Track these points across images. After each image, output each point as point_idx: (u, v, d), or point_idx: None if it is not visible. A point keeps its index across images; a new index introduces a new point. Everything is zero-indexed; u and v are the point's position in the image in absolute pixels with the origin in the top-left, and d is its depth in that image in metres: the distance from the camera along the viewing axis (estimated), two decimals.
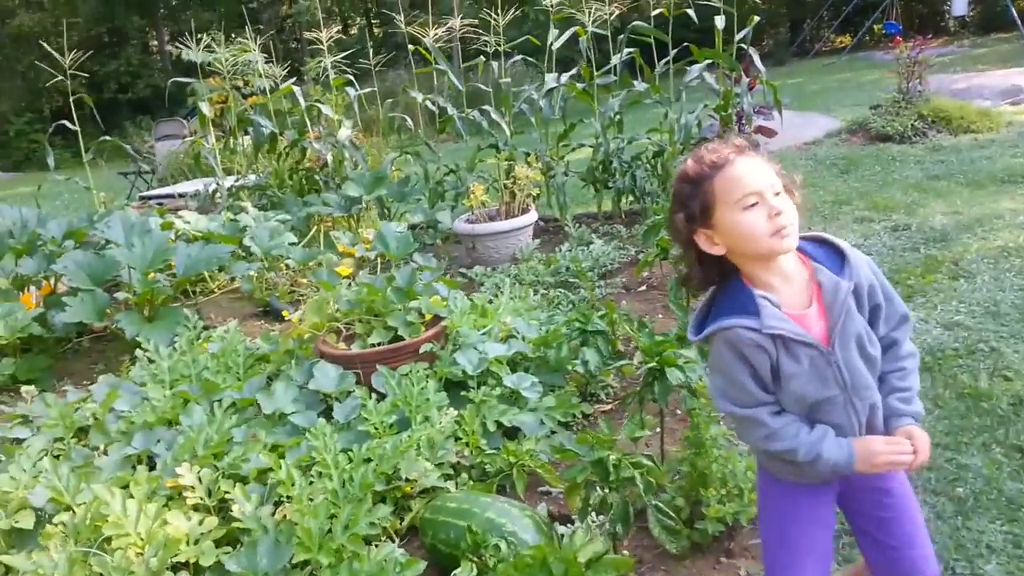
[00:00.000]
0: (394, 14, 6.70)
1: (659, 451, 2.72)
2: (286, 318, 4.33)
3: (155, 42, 26.62)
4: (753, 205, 1.40)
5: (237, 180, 7.29)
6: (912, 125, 7.82)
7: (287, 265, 5.73)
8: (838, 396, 1.49)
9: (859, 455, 1.46)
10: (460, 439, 2.79)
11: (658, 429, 2.82)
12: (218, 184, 7.08)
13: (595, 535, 2.05)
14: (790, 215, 1.41)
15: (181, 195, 7.85)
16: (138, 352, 3.79)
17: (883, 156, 7.26)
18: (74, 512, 2.28)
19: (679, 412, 3.17)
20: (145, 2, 24.30)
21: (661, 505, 2.24)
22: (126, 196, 9.55)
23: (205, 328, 4.22)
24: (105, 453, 2.86)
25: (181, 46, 6.80)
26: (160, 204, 7.49)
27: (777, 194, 1.42)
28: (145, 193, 9.03)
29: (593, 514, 2.29)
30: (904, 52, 8.33)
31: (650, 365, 2.54)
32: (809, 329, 1.44)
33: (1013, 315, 3.62)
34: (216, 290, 5.76)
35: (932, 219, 5.21)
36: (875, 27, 20.36)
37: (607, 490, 2.18)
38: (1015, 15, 15.97)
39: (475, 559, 2.05)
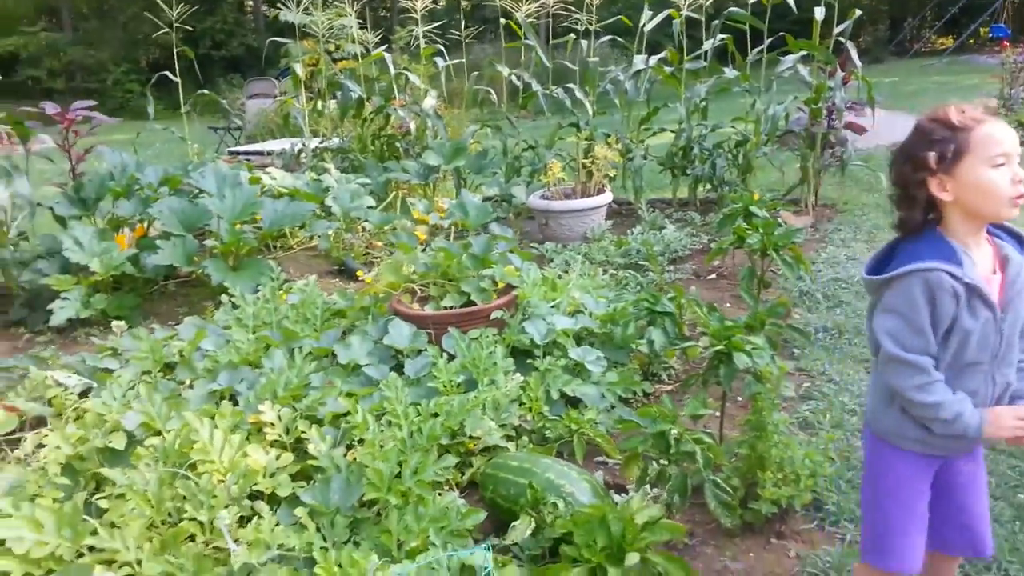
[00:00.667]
0: None
1: (718, 433, 2.76)
2: (360, 278, 4.49)
3: (250, 2, 27.29)
4: (1000, 165, 1.47)
5: (322, 142, 7.52)
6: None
7: (364, 227, 5.91)
8: (986, 364, 1.56)
9: (990, 421, 1.54)
10: (524, 404, 2.88)
11: (718, 413, 2.86)
12: (304, 144, 7.32)
13: (650, 503, 2.11)
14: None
15: (268, 153, 8.14)
16: (223, 297, 4.00)
17: None
18: (164, 437, 2.46)
19: (740, 399, 3.20)
20: None
21: (719, 481, 2.29)
22: (215, 150, 9.93)
23: (285, 281, 4.41)
24: (191, 387, 3.06)
25: (281, 6, 7.00)
26: (248, 160, 7.80)
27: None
28: (234, 148, 9.38)
29: (647, 486, 2.37)
30: (1010, 57, 7.99)
31: (717, 348, 2.57)
32: (991, 288, 1.52)
33: None
34: (295, 246, 5.98)
35: None
36: (981, 30, 19.48)
37: (666, 462, 2.24)
38: None
39: (533, 514, 2.15)
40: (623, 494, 2.40)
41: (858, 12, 5.73)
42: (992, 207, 1.49)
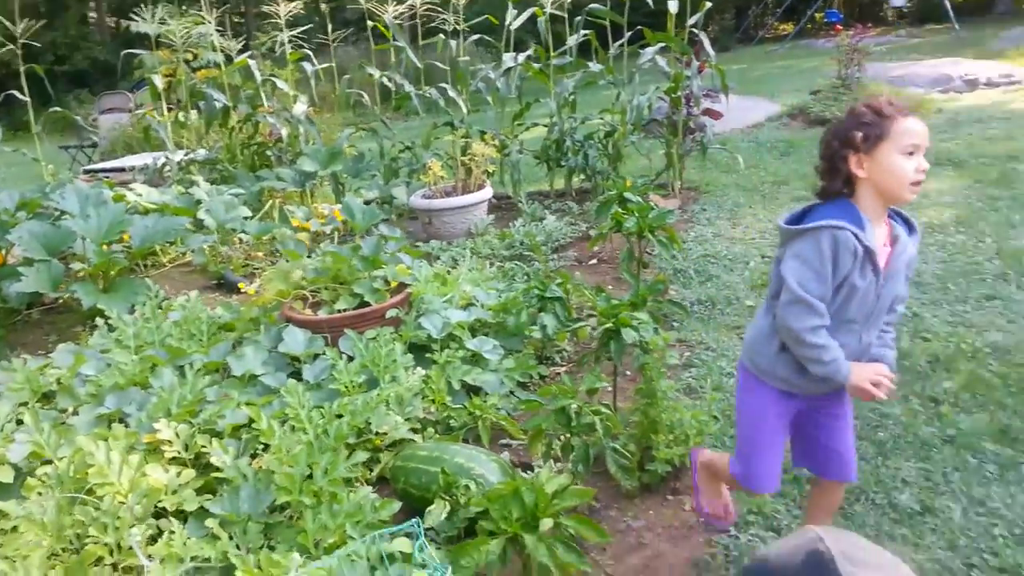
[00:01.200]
0: None
1: (613, 405, 2.91)
2: (242, 290, 4.40)
3: (93, 13, 25.76)
4: (911, 154, 1.70)
5: (187, 154, 7.25)
6: None
7: (240, 239, 5.77)
8: (859, 323, 1.81)
9: (855, 372, 1.79)
10: (427, 396, 2.95)
11: (611, 387, 3.03)
12: (167, 158, 7.04)
13: (557, 474, 2.23)
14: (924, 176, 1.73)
15: (129, 169, 7.77)
16: (98, 320, 3.83)
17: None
18: (56, 464, 2.37)
19: (628, 373, 3.38)
20: None
21: (617, 447, 2.44)
22: (68, 169, 9.37)
23: (163, 299, 4.27)
24: (75, 414, 2.93)
25: (134, 17, 6.70)
26: (107, 177, 7.41)
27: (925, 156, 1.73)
28: (90, 167, 8.88)
29: (552, 460, 2.49)
30: (844, 40, 8.68)
31: (607, 326, 2.73)
32: (881, 256, 1.77)
33: (934, 284, 3.93)
34: (167, 264, 5.76)
35: None
36: (817, 15, 20.93)
37: (568, 435, 2.36)
38: (948, 8, 16.63)
39: (447, 498, 2.22)
40: (529, 472, 2.50)
41: (708, 4, 6.09)
42: (896, 189, 1.72)
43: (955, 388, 2.99)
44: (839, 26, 12.70)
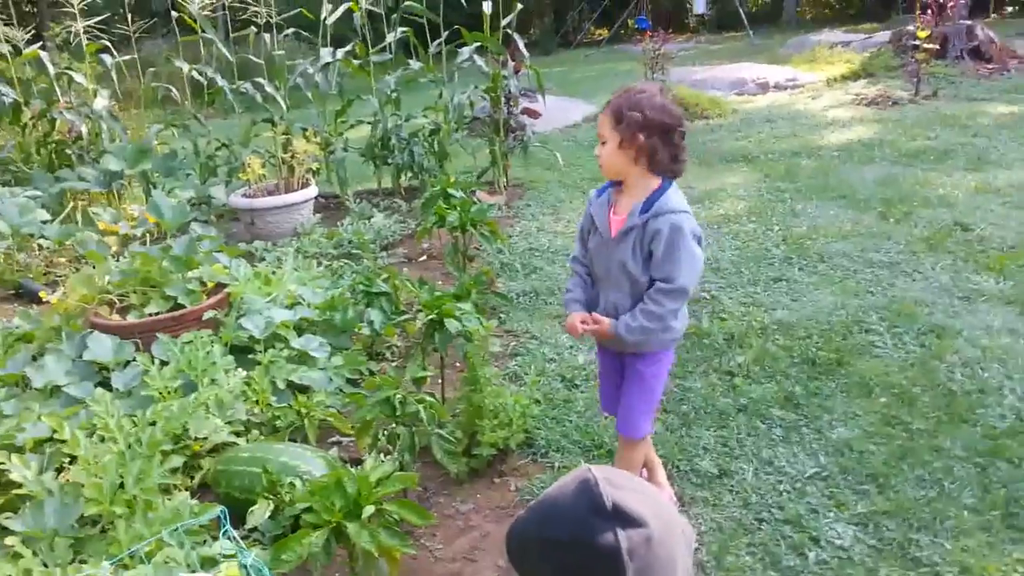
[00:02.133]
0: None
1: (440, 396, 2.99)
2: (44, 299, 4.08)
3: None
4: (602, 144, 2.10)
5: None
6: None
7: (39, 245, 5.33)
8: (602, 281, 2.19)
9: (572, 314, 2.22)
10: (250, 398, 2.88)
11: (439, 380, 3.10)
12: None
13: (383, 463, 2.27)
14: (603, 157, 2.10)
15: None
16: None
17: None
18: None
19: (457, 365, 3.47)
20: None
21: (444, 435, 2.51)
22: None
23: None
24: None
25: None
26: None
27: (602, 141, 2.09)
28: None
29: (381, 455, 2.52)
30: (649, 45, 9.27)
31: (431, 317, 2.80)
32: (611, 227, 2.12)
33: (730, 270, 4.32)
34: None
35: None
36: (629, 21, 22.09)
37: (394, 425, 2.41)
38: (743, 17, 18.12)
39: (271, 497, 2.20)
40: (359, 466, 2.53)
41: (520, 6, 6.31)
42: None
43: (747, 361, 3.32)
44: (647, 32, 13.50)
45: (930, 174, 5.75)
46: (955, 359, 3.16)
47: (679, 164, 2.09)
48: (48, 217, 5.41)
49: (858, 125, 7.72)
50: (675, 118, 2.04)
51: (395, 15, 6.33)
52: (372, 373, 3.44)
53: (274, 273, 3.90)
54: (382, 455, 2.52)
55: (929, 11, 9.18)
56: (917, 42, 8.90)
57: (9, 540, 2.00)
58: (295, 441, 2.81)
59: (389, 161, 6.41)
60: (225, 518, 1.75)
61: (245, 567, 1.69)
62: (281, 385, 2.97)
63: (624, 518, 0.87)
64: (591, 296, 2.24)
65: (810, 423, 2.84)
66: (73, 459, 2.43)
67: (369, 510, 1.85)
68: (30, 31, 6.97)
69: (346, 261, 4.84)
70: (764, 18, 22.35)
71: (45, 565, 1.99)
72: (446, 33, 6.28)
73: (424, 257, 5.13)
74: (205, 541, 2.08)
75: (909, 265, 4.15)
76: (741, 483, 2.55)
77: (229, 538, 1.69)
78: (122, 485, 2.18)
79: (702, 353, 3.41)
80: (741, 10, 18.18)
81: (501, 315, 4.03)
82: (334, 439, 2.94)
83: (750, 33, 17.55)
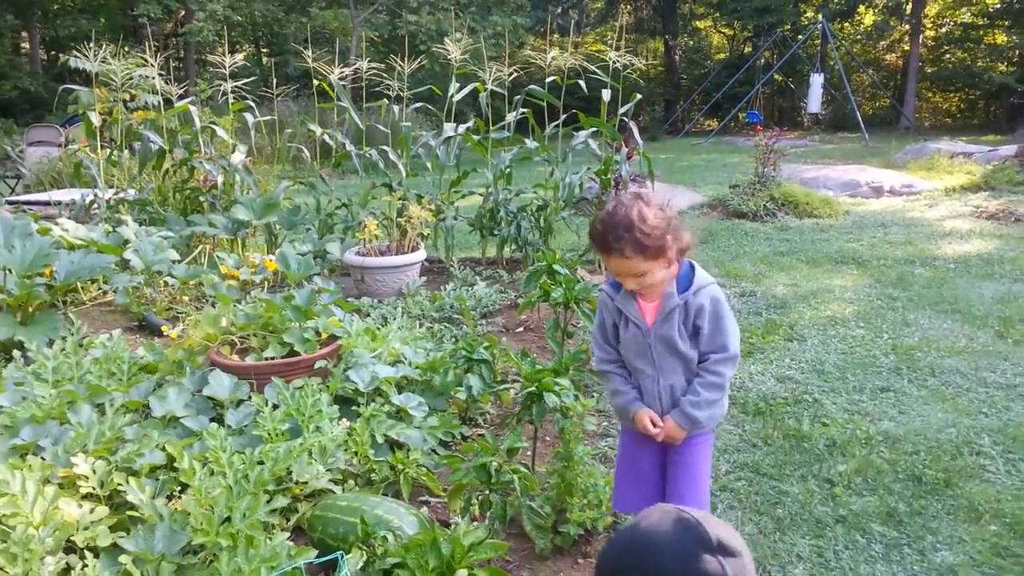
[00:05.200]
0: (299, 47, 6.90)
1: (531, 468, 3.01)
2: (165, 333, 4.36)
3: (26, 44, 25.20)
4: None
5: (117, 193, 7.16)
6: (764, 206, 8.74)
7: (166, 282, 5.71)
8: (647, 369, 2.18)
9: (639, 412, 2.19)
10: (349, 448, 2.98)
11: (531, 452, 3.13)
12: (96, 195, 6.94)
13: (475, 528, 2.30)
14: (652, 284, 2.05)
15: (54, 203, 7.60)
16: (15, 352, 3.74)
17: (737, 231, 8.07)
18: None
19: (548, 439, 3.49)
20: (21, 1, 23.05)
21: (534, 507, 2.53)
22: None
23: (83, 337, 4.19)
24: None
25: (75, 53, 6.68)
26: (31, 210, 7.23)
27: (640, 275, 2.03)
28: (12, 198, 8.63)
29: (469, 518, 2.56)
30: (762, 140, 9.30)
31: (530, 389, 2.85)
32: (644, 315, 2.13)
33: (834, 373, 4.22)
34: (87, 302, 5.64)
35: (775, 289, 5.89)
36: (740, 115, 22.21)
37: (487, 491, 2.45)
38: (859, 119, 17.97)
39: (364, 547, 2.26)
40: (447, 528, 2.57)
41: (639, 96, 6.50)
42: None
43: (849, 471, 3.20)
44: (759, 126, 13.55)
45: None
46: None
47: (686, 241, 2.10)
48: (177, 257, 5.82)
49: (977, 238, 7.46)
50: (666, 210, 2.05)
51: (517, 97, 6.62)
52: (464, 438, 3.50)
53: (380, 329, 4.06)
54: (471, 520, 2.55)
55: None
56: None
57: (123, 558, 2.13)
58: (388, 496, 2.88)
59: (495, 232, 6.61)
60: (343, 560, 1.82)
61: None
62: (380, 439, 3.06)
63: (725, 550, 1.08)
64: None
65: (912, 543, 2.71)
66: (184, 488, 2.57)
67: (461, 573, 1.89)
68: (182, 87, 7.64)
69: (447, 325, 4.97)
70: (880, 122, 22.06)
71: None
72: (564, 116, 6.51)
73: (521, 328, 5.22)
74: None
75: None
76: None
77: None
78: (228, 519, 2.29)
79: (801, 457, 3.32)
80: (857, 112, 18.02)
81: (595, 394, 4.04)
82: (424, 498, 2.99)
83: (865, 136, 17.34)
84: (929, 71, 25.28)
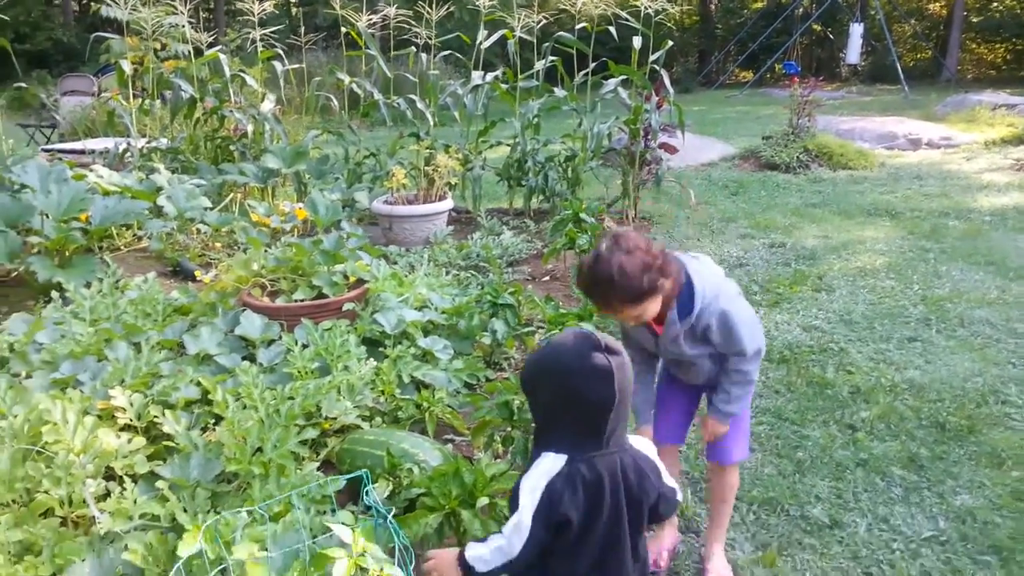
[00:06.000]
0: None
1: None
2: (198, 278, 4.45)
3: None
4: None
5: (149, 142, 7.24)
6: (797, 157, 8.59)
7: (198, 229, 5.80)
8: (671, 363, 2.27)
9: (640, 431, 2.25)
10: (377, 387, 3.05)
11: None
12: (129, 144, 7.03)
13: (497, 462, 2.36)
14: (647, 317, 1.98)
15: (90, 151, 7.70)
16: (53, 294, 3.85)
17: (769, 182, 7.96)
18: (11, 420, 2.41)
19: None
20: None
21: None
22: (26, 146, 9.23)
23: (118, 280, 4.29)
24: (28, 377, 2.96)
25: (107, 2, 6.70)
26: (66, 158, 7.34)
27: (637, 316, 1.95)
28: (48, 146, 8.77)
29: (492, 453, 2.62)
30: (797, 91, 9.10)
31: (552, 332, 2.89)
32: (651, 328, 2.12)
33: (862, 323, 4.19)
34: (123, 247, 5.75)
35: (805, 240, 5.83)
36: (776, 66, 21.69)
37: (510, 428, 2.50)
38: (900, 71, 17.46)
39: (390, 478, 2.33)
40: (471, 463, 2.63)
41: (670, 43, 6.38)
42: None
43: (871, 417, 3.21)
44: (796, 78, 13.23)
45: None
46: None
47: (676, 264, 2.00)
48: (209, 205, 5.89)
49: (1015, 191, 7.29)
50: (648, 248, 1.92)
51: (546, 45, 6.54)
52: (489, 380, 3.56)
53: (407, 276, 4.11)
54: (494, 456, 2.62)
55: None
56: None
57: (159, 484, 2.22)
58: (413, 432, 2.95)
59: (523, 183, 6.60)
60: (368, 479, 1.90)
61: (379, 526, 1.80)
62: (406, 379, 3.13)
63: (611, 350, 1.47)
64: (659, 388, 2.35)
65: (932, 487, 2.73)
66: (218, 420, 2.66)
67: (483, 501, 1.95)
68: (212, 35, 7.64)
69: (473, 273, 5.01)
70: (921, 74, 21.44)
71: (185, 511, 2.19)
72: (593, 64, 6.42)
73: (547, 278, 5.24)
74: (325, 512, 2.24)
75: None
76: (852, 536, 2.48)
77: (368, 496, 1.82)
78: (260, 449, 2.38)
79: (824, 403, 3.33)
80: (898, 64, 17.50)
81: (619, 339, 4.06)
82: (448, 436, 3.06)
83: (905, 88, 16.88)
84: (975, 20, 24.40)
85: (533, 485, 1.46)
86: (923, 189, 7.52)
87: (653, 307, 1.95)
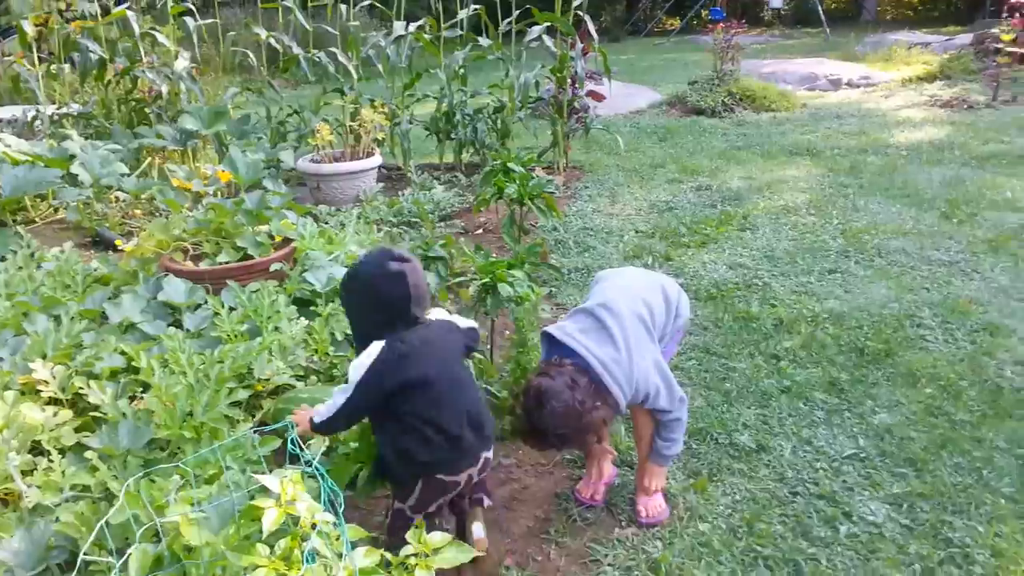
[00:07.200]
0: None
1: (490, 358, 3.10)
2: (120, 247, 4.30)
3: None
4: None
5: (59, 108, 6.91)
6: (723, 101, 8.71)
7: (117, 196, 5.60)
8: None
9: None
10: (310, 347, 3.03)
11: (489, 344, 3.20)
12: (38, 111, 6.70)
13: None
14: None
15: None
16: None
17: (695, 127, 8.07)
18: None
19: (507, 332, 3.57)
20: None
21: (492, 390, 2.62)
22: None
23: (33, 253, 4.13)
24: None
25: None
26: None
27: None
28: None
29: None
30: (720, 35, 9.18)
31: (484, 281, 2.90)
32: None
33: (784, 259, 4.33)
34: (38, 220, 5.52)
35: (730, 182, 5.95)
36: (702, 12, 21.78)
37: None
38: (821, 13, 17.73)
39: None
40: None
41: None
42: None
43: (794, 347, 3.34)
44: (721, 23, 13.31)
45: (999, 178, 5.62)
46: (1007, 357, 3.14)
47: (608, 404, 2.08)
48: (126, 171, 5.68)
49: (929, 126, 7.55)
50: (575, 392, 2.00)
51: None
52: None
53: (337, 234, 4.05)
54: None
55: (1017, 14, 8.89)
56: (1000, 45, 8.64)
57: (87, 455, 2.17)
58: None
59: (452, 136, 6.53)
60: (292, 429, 1.90)
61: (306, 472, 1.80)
62: (339, 336, 3.10)
63: (403, 258, 1.91)
64: None
65: (852, 408, 2.87)
66: (146, 388, 2.60)
67: None
68: None
69: (405, 228, 4.98)
70: (842, 16, 21.82)
71: (117, 478, 2.15)
72: (517, 12, 6.34)
73: (480, 231, 5.24)
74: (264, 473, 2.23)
75: (968, 265, 4.10)
76: (778, 459, 2.60)
77: (295, 444, 1.83)
78: (191, 414, 2.34)
79: (749, 336, 3.45)
80: (820, 7, 17.77)
81: (552, 288, 4.11)
82: None
83: (826, 30, 17.18)
84: None
85: (360, 363, 1.86)
86: (842, 128, 7.73)
87: (593, 440, 2.15)
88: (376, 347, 1.85)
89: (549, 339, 2.22)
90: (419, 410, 1.86)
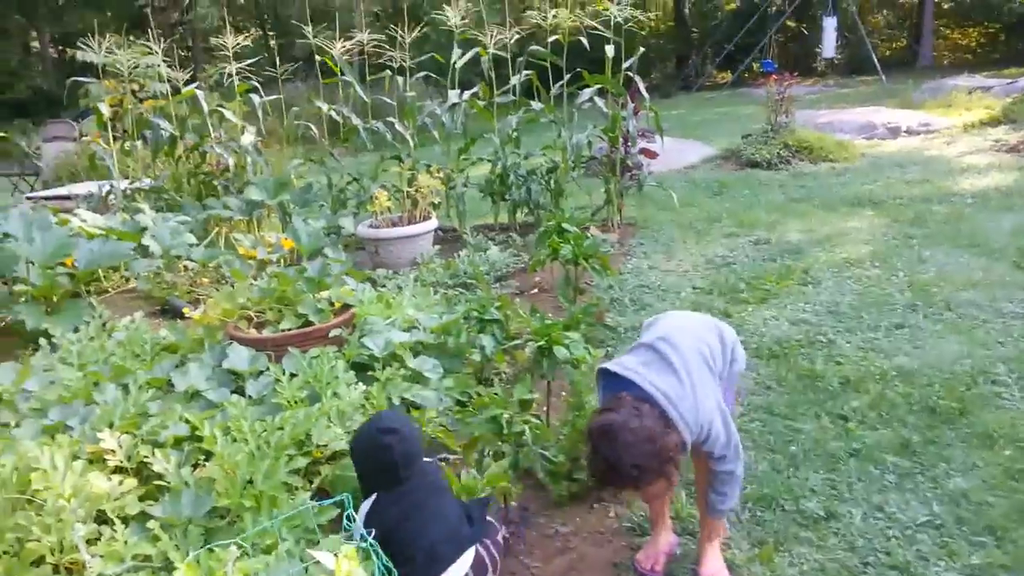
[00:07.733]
0: (301, 24, 6.91)
1: (546, 421, 3.07)
2: (187, 315, 4.45)
3: (36, 43, 25.40)
4: None
5: (132, 183, 7.26)
6: (778, 153, 8.64)
7: (186, 266, 5.81)
8: None
9: None
10: (367, 411, 3.05)
11: (546, 407, 3.18)
12: (112, 186, 7.04)
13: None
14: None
15: (72, 196, 7.71)
16: (41, 341, 3.85)
17: (751, 180, 8.01)
18: (0, 469, 2.40)
19: (563, 394, 3.53)
20: (26, 1, 23.20)
21: (547, 455, 2.59)
22: (10, 196, 9.25)
23: (105, 322, 4.29)
24: (17, 427, 2.95)
25: (81, 46, 6.74)
26: (50, 204, 7.35)
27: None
28: (31, 194, 8.77)
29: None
30: (773, 88, 9.17)
31: (539, 344, 2.89)
32: None
33: (849, 314, 4.21)
34: (111, 290, 5.76)
35: (789, 235, 5.86)
36: (754, 65, 21.84)
37: (500, 443, 2.50)
38: (876, 61, 17.60)
39: None
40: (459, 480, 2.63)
41: (642, 49, 6.43)
42: None
43: (862, 407, 3.22)
44: (774, 75, 13.32)
45: None
46: None
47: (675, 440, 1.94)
48: (195, 241, 5.90)
49: (995, 172, 7.34)
50: (645, 422, 1.89)
51: (520, 59, 6.58)
52: (480, 396, 3.56)
53: (394, 298, 4.12)
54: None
55: None
56: None
57: (150, 524, 2.21)
58: None
59: (507, 197, 6.62)
60: (349, 503, 1.90)
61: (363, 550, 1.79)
62: (396, 401, 3.13)
63: (388, 431, 2.16)
64: None
65: (926, 471, 2.73)
66: (208, 456, 2.66)
67: None
68: (189, 72, 7.68)
69: (461, 290, 5.02)
70: (898, 63, 21.59)
71: (177, 548, 2.18)
72: (568, 76, 6.46)
73: (536, 290, 5.25)
74: (319, 542, 2.24)
75: None
76: (848, 526, 2.49)
77: (350, 519, 1.83)
78: (251, 482, 2.37)
79: (814, 396, 3.34)
80: (874, 54, 17.64)
81: (608, 348, 4.08)
82: (442, 456, 3.06)
83: (882, 77, 17.00)
84: (946, 7, 24.61)
85: (358, 516, 2.08)
86: (904, 176, 7.57)
87: (662, 484, 1.95)
88: (367, 504, 2.15)
89: (606, 375, 2.12)
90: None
